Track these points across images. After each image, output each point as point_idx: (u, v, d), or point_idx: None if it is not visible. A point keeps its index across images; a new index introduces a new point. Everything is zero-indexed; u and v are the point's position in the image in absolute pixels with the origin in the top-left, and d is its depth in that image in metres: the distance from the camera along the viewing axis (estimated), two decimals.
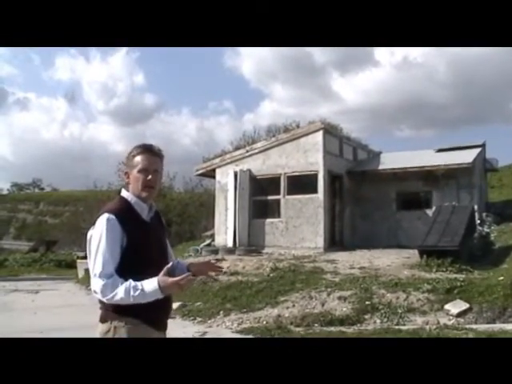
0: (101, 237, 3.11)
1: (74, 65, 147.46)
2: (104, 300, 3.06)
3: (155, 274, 3.00)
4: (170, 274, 3.06)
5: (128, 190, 3.35)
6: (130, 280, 3.00)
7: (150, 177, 3.27)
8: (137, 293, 2.96)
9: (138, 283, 2.98)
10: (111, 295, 3.00)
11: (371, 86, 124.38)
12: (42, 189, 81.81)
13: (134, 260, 3.11)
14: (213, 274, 3.73)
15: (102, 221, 3.15)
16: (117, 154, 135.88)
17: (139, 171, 3.28)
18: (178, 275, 3.11)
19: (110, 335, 3.16)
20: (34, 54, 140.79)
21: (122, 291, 2.98)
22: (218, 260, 3.85)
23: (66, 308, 14.11)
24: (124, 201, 3.32)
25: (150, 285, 2.97)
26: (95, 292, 3.08)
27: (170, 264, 3.10)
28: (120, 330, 3.14)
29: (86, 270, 18.50)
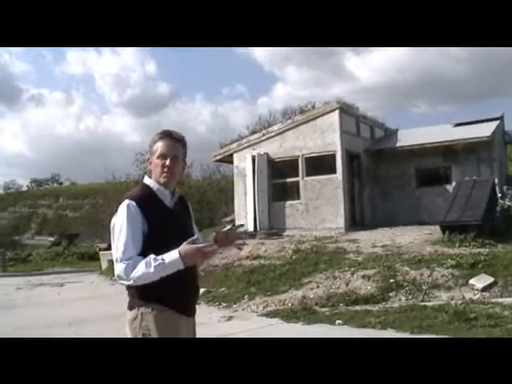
0: (122, 223, 3.13)
1: (85, 58, 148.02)
2: (128, 283, 3.06)
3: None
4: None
5: (150, 177, 3.34)
6: (151, 255, 3.00)
7: (168, 162, 3.26)
8: (157, 263, 2.95)
9: (159, 256, 2.98)
10: (133, 273, 2.99)
11: (386, 63, 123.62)
12: (61, 183, 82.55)
13: (157, 246, 3.09)
14: (238, 243, 3.68)
15: (123, 207, 3.16)
16: (133, 144, 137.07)
17: (158, 157, 3.29)
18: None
19: (137, 322, 3.17)
20: (45, 50, 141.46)
21: (143, 265, 2.97)
22: (238, 230, 3.80)
23: (92, 299, 14.24)
24: (146, 187, 3.32)
25: (171, 255, 2.96)
26: (118, 277, 3.08)
27: (195, 236, 3.08)
28: (147, 316, 3.15)
29: (110, 261, 18.64)
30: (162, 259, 2.97)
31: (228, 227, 22.76)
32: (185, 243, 2.98)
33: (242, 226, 4.44)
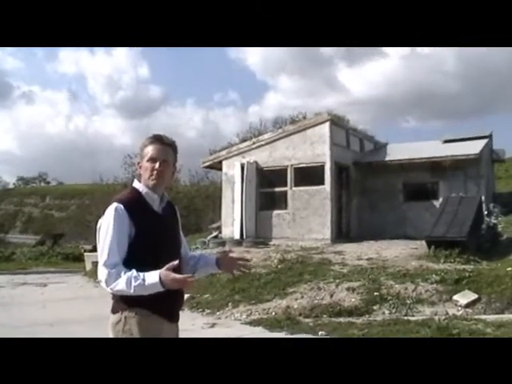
0: (108, 226, 3.13)
1: (77, 58, 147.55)
2: (108, 290, 3.08)
3: (165, 265, 2.99)
4: (179, 267, 3.03)
5: (140, 181, 3.34)
6: (133, 270, 3.00)
7: (157, 165, 3.25)
8: (137, 283, 2.96)
9: (141, 274, 2.98)
10: (113, 284, 3.01)
11: (378, 77, 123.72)
12: (48, 182, 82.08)
13: (143, 250, 3.12)
14: (241, 270, 3.68)
15: (111, 210, 3.16)
16: (122, 147, 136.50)
17: (148, 160, 3.29)
18: (187, 269, 3.12)
19: (120, 326, 3.17)
20: (37, 48, 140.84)
21: (124, 281, 2.98)
22: (246, 260, 3.79)
23: (75, 300, 14.16)
24: (135, 191, 3.31)
25: (152, 277, 2.96)
26: (101, 281, 3.10)
27: (176, 261, 3.06)
28: (130, 320, 3.14)
29: (94, 263, 18.54)
30: (143, 280, 2.96)
31: (213, 234, 22.78)
32: (166, 268, 2.97)
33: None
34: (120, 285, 2.99)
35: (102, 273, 3.05)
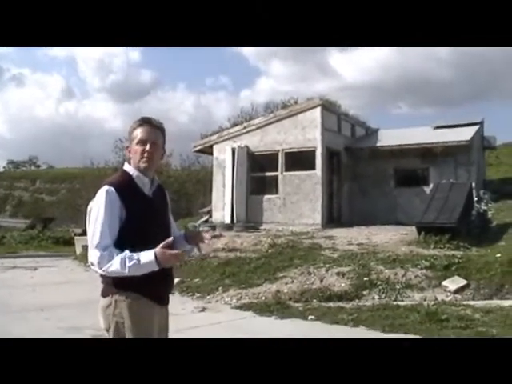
0: (99, 209, 3.13)
1: None
2: (100, 272, 3.08)
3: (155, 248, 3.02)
4: (171, 247, 3.07)
5: (130, 164, 3.34)
6: (126, 251, 3.02)
7: (148, 148, 3.26)
8: (132, 263, 2.98)
9: (134, 254, 3.00)
10: (107, 266, 3.02)
11: (371, 62, 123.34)
12: (39, 166, 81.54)
13: (134, 233, 3.12)
14: (205, 247, 3.74)
15: (102, 193, 3.17)
16: (113, 131, 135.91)
17: (137, 143, 3.30)
18: (177, 248, 3.13)
19: (110, 309, 3.18)
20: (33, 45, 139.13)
21: (118, 261, 2.99)
22: (215, 236, 3.84)
23: (65, 284, 14.13)
24: (125, 174, 3.31)
25: (147, 256, 2.99)
26: (92, 264, 3.10)
27: (171, 238, 3.10)
28: (121, 303, 3.16)
29: (84, 247, 18.52)
30: (138, 259, 2.99)
31: (204, 219, 22.77)
32: (161, 246, 3.02)
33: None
34: (114, 266, 3.00)
35: (94, 255, 3.05)
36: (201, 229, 19.74)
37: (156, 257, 2.97)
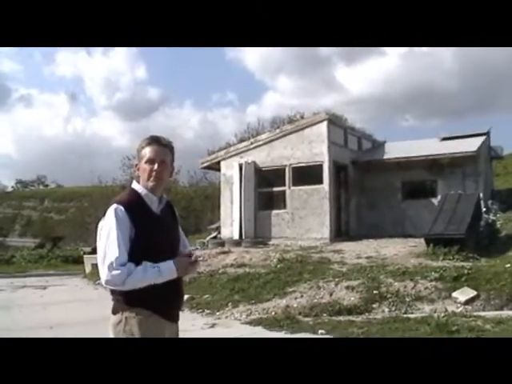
0: (110, 227, 3.13)
1: (75, 60, 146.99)
2: (121, 288, 3.08)
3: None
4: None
5: (139, 183, 3.35)
6: (145, 262, 3.08)
7: (156, 167, 3.27)
8: (153, 270, 3.06)
9: (154, 264, 3.09)
10: (128, 279, 3.03)
11: (377, 75, 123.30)
12: (47, 185, 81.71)
13: (143, 251, 3.12)
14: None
15: (111, 212, 3.17)
16: (121, 149, 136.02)
17: (146, 162, 3.30)
18: None
19: (121, 326, 3.18)
20: (35, 50, 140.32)
21: (140, 271, 3.05)
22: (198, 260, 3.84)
23: (75, 303, 14.14)
24: (134, 192, 3.32)
25: (166, 264, 3.10)
26: (108, 282, 3.07)
27: (188, 249, 3.19)
28: (131, 320, 3.16)
29: (94, 265, 18.53)
30: (158, 267, 3.08)
31: (212, 235, 22.79)
32: (181, 255, 3.19)
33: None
34: (135, 276, 3.04)
35: (112, 273, 3.03)
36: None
37: (175, 265, 3.10)
